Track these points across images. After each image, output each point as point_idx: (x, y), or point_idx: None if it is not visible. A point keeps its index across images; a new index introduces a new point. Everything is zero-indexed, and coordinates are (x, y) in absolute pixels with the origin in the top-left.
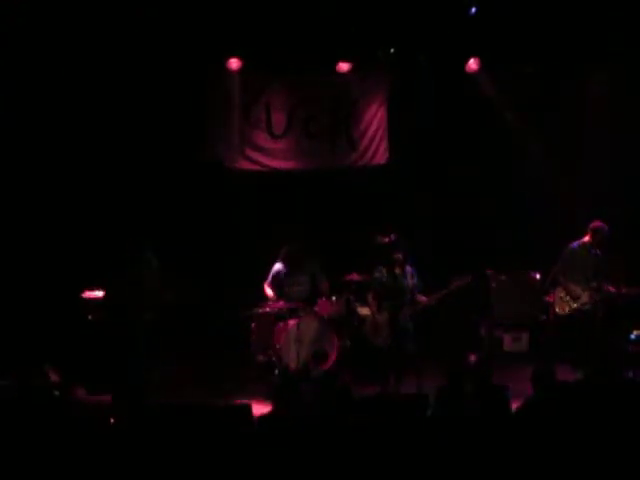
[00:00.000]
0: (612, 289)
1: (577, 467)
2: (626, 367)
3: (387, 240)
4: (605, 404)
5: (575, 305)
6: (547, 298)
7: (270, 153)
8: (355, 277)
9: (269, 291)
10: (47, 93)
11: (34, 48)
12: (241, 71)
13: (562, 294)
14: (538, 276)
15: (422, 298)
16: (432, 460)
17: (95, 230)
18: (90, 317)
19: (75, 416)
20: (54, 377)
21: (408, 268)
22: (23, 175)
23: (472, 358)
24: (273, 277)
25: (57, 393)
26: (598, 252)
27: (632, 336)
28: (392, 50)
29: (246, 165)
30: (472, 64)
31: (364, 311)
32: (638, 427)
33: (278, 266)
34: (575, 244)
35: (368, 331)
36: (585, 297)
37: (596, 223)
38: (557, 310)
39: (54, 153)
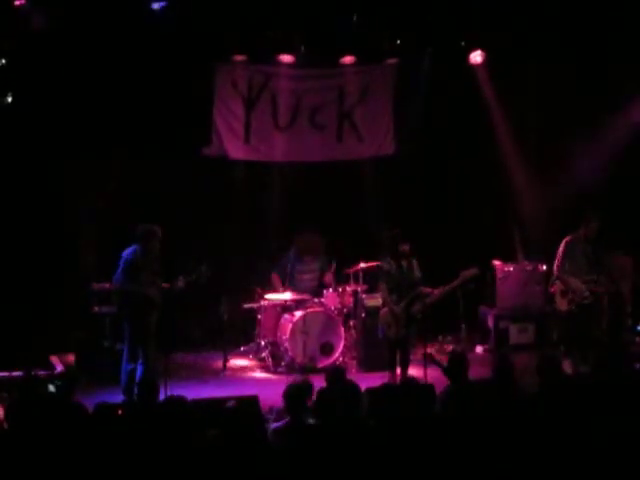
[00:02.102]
0: (604, 280)
1: (581, 460)
2: (633, 360)
3: (394, 232)
4: (610, 397)
5: (576, 299)
6: (551, 290)
7: (276, 145)
8: (362, 266)
9: (276, 281)
10: (59, 88)
11: (47, 45)
12: (246, 64)
13: (562, 288)
14: (544, 267)
15: (428, 290)
16: (439, 451)
17: (102, 222)
18: (96, 309)
19: (81, 409)
20: (60, 367)
21: (413, 260)
22: (33, 169)
23: (478, 349)
24: (281, 267)
25: (59, 383)
26: (594, 243)
27: (638, 328)
28: (398, 41)
29: (252, 157)
30: (476, 56)
31: (371, 302)
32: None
33: (287, 256)
34: (570, 237)
35: (383, 322)
36: (586, 290)
37: (590, 215)
38: (557, 305)
39: (62, 147)
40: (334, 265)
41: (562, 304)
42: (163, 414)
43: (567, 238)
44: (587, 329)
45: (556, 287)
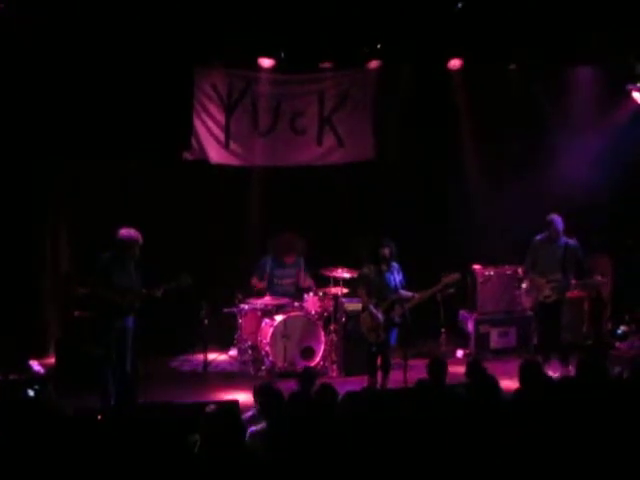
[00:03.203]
0: (574, 280)
1: (563, 460)
2: (613, 363)
3: (375, 236)
4: (591, 400)
5: (539, 298)
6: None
7: (256, 149)
8: (342, 272)
9: (256, 284)
10: (38, 90)
11: (22, 49)
12: (226, 69)
13: (527, 288)
14: None
15: (408, 294)
16: (420, 454)
17: (83, 226)
18: (76, 314)
19: (61, 414)
20: (39, 371)
21: (394, 264)
22: (11, 171)
23: (459, 354)
24: (261, 271)
25: (37, 388)
26: (569, 243)
27: (619, 331)
28: (378, 46)
29: (232, 161)
30: (455, 62)
31: (351, 307)
32: (624, 423)
33: (266, 260)
34: (538, 237)
35: (364, 326)
36: (548, 289)
37: (550, 215)
38: (523, 304)
39: (43, 151)
40: (306, 274)
41: (527, 302)
42: (142, 418)
43: (535, 238)
44: (552, 328)
45: (523, 287)
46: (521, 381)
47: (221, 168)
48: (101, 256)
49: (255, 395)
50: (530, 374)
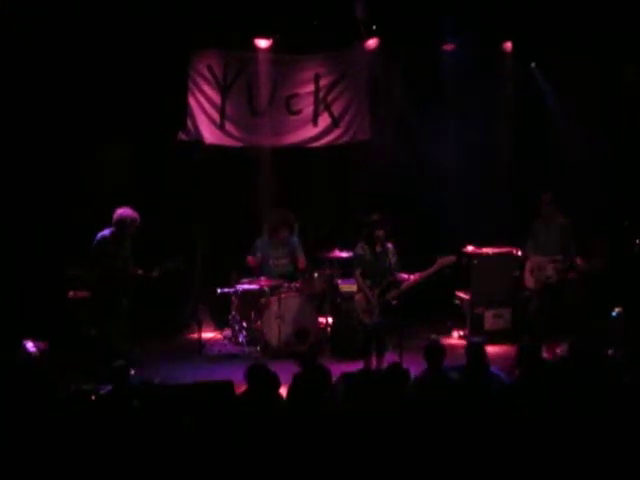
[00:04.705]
0: (579, 261)
1: (560, 444)
2: (607, 345)
3: (370, 217)
4: (585, 383)
5: (541, 278)
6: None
7: (251, 129)
8: (337, 253)
9: (252, 263)
10: (39, 76)
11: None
12: (222, 50)
13: (530, 267)
14: (520, 252)
15: (404, 276)
16: (416, 439)
17: (77, 209)
18: (70, 294)
19: (55, 393)
20: (36, 351)
21: (389, 245)
22: (7, 157)
23: (454, 335)
24: (257, 250)
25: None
26: (565, 223)
27: (613, 314)
28: (374, 27)
29: (227, 142)
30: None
31: (345, 287)
32: (617, 406)
33: (262, 240)
34: (536, 220)
35: (359, 307)
36: (550, 269)
37: (542, 195)
38: (526, 283)
39: (33, 131)
40: (304, 259)
41: (530, 282)
42: (136, 399)
43: (536, 219)
44: (553, 309)
45: (525, 268)
46: (519, 364)
47: (216, 149)
48: (100, 237)
49: (246, 376)
50: (528, 357)
